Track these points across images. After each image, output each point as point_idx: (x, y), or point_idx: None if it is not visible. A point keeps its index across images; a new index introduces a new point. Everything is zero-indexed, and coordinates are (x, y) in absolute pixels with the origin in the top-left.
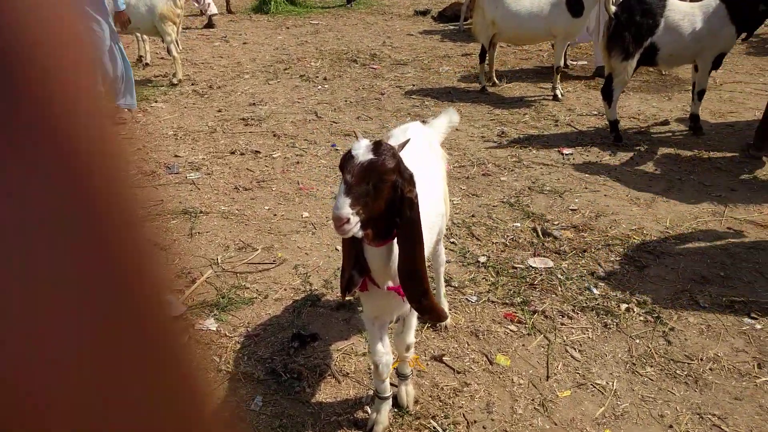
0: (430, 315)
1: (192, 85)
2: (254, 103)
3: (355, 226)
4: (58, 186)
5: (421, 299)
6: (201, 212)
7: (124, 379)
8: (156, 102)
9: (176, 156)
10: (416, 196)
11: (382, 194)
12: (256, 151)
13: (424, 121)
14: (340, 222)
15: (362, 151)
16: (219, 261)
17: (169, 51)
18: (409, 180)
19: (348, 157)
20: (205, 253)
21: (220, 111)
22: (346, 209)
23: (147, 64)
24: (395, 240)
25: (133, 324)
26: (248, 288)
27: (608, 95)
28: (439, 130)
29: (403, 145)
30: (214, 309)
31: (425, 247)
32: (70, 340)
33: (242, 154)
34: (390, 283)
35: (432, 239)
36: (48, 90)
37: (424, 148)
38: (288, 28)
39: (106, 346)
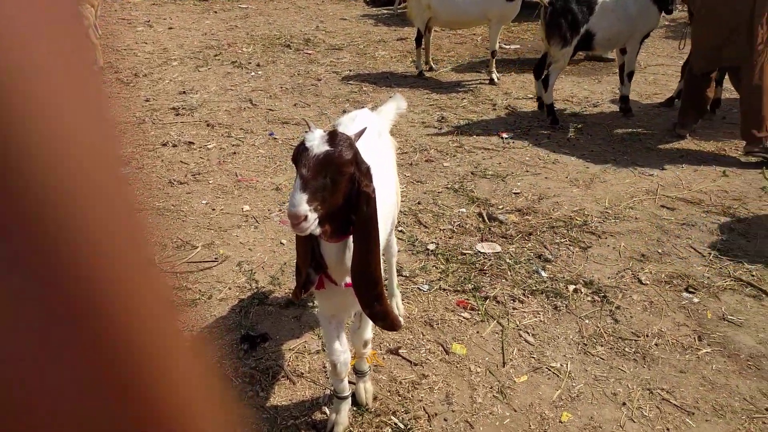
0: (384, 322)
1: (115, 72)
2: (184, 92)
3: (313, 224)
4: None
5: (374, 304)
6: None
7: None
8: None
9: None
10: (373, 191)
11: (340, 188)
12: (190, 143)
13: (362, 107)
14: (297, 220)
15: (317, 142)
16: (156, 261)
17: (87, 36)
18: (366, 173)
19: (302, 149)
20: None
21: (147, 100)
22: (304, 206)
23: None
24: (351, 238)
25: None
26: (190, 289)
27: (545, 80)
28: (387, 117)
29: (359, 135)
30: None
31: (380, 241)
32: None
33: (174, 145)
34: (348, 280)
35: (386, 231)
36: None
37: (374, 137)
38: (216, 12)
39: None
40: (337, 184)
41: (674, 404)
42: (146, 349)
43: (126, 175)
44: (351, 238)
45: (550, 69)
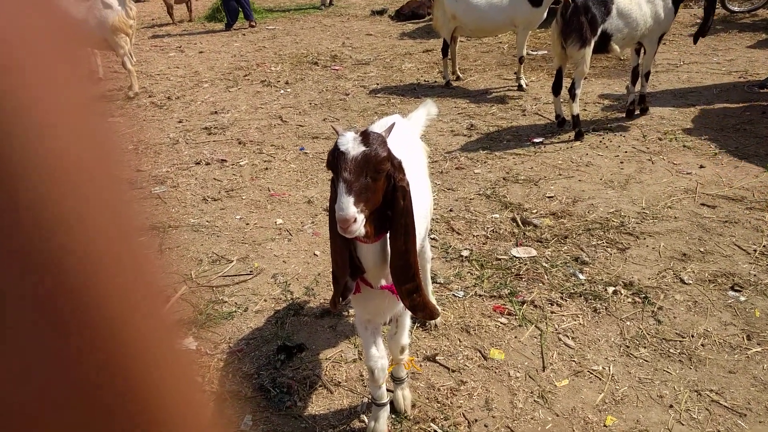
0: (423, 312)
1: (149, 97)
2: (216, 112)
3: (361, 225)
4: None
5: (413, 295)
6: (169, 226)
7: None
8: (112, 117)
9: (138, 171)
10: (408, 184)
11: (379, 186)
12: (222, 160)
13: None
14: (347, 224)
15: (351, 144)
16: (193, 276)
17: (123, 64)
18: (399, 167)
19: (338, 154)
20: (177, 269)
21: (180, 122)
22: (352, 208)
23: (99, 79)
24: (388, 234)
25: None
26: (226, 302)
27: (571, 89)
28: (418, 122)
29: (389, 130)
30: (192, 327)
31: (416, 234)
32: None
33: (208, 164)
34: (383, 282)
35: (421, 234)
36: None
37: (406, 141)
38: (244, 34)
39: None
40: (377, 182)
41: (725, 405)
42: (143, 371)
43: (128, 197)
44: (387, 236)
45: (573, 75)
